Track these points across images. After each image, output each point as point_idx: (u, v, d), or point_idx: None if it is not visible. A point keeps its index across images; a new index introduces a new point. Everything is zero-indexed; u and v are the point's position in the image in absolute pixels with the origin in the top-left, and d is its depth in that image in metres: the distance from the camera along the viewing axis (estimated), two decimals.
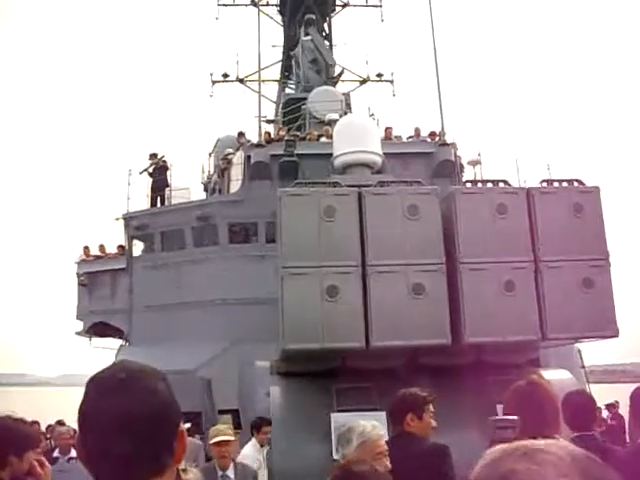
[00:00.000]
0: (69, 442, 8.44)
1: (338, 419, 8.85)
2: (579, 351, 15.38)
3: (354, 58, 28.21)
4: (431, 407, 5.00)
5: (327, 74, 24.20)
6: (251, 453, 8.19)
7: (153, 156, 19.54)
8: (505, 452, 1.05)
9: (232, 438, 6.93)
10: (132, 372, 1.48)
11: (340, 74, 24.97)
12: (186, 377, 13.93)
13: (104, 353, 19.58)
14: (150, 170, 19.26)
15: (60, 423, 11.03)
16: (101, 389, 1.47)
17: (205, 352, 15.01)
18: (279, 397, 9.31)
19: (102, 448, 1.42)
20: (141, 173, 19.13)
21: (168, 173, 19.46)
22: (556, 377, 8.95)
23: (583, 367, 15.62)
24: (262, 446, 8.41)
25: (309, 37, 24.65)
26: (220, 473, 6.82)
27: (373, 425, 3.85)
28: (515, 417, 3.24)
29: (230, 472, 6.88)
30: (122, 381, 1.46)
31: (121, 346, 18.64)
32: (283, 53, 28.06)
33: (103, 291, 19.11)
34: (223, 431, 6.99)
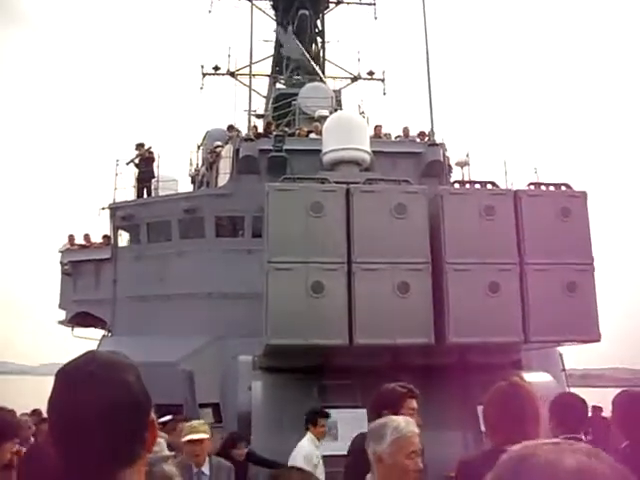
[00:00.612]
0: (27, 433, 8.37)
1: None
2: (560, 354, 15.45)
3: (346, 55, 28.21)
4: (414, 403, 4.95)
5: (306, 70, 24.22)
6: (309, 449, 7.78)
7: (140, 146, 19.37)
8: (527, 443, 1.07)
9: (206, 436, 6.77)
10: (102, 364, 1.46)
11: (312, 69, 24.69)
12: (168, 369, 13.86)
13: (86, 343, 19.46)
14: (136, 161, 19.12)
15: (36, 413, 10.92)
16: (71, 381, 1.44)
17: (188, 345, 14.93)
18: (261, 392, 9.29)
19: (72, 441, 1.40)
20: (128, 164, 18.96)
21: (155, 164, 19.33)
22: (537, 379, 8.99)
23: (564, 370, 15.70)
24: (319, 440, 8.01)
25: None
26: (195, 470, 6.72)
27: (407, 421, 3.63)
28: None
29: (205, 468, 6.78)
30: (92, 373, 1.43)
31: (103, 336, 18.51)
32: (275, 48, 27.97)
33: (87, 281, 18.96)
34: (197, 428, 6.79)
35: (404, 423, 3.57)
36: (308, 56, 24.19)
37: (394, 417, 3.73)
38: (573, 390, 13.35)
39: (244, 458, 8.00)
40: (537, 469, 0.99)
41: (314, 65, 23.83)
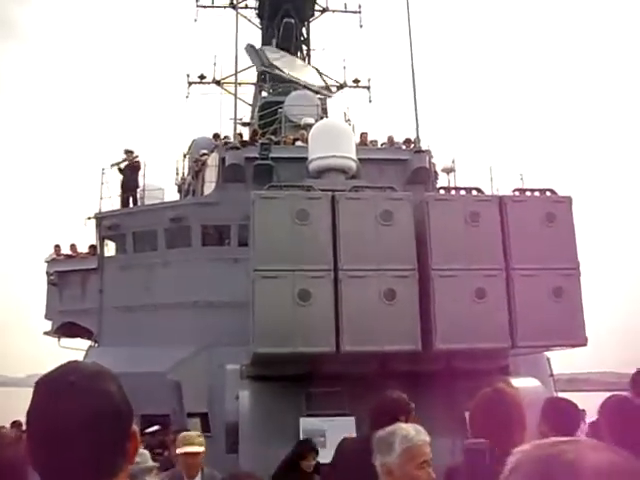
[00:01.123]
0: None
1: (307, 424, 8.82)
2: (548, 359, 15.49)
3: (332, 63, 28.24)
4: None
5: (279, 80, 24.27)
6: None
7: (129, 153, 19.30)
8: (545, 442, 1.07)
9: (202, 449, 6.68)
10: (83, 374, 1.44)
11: (285, 78, 24.60)
12: (155, 379, 13.80)
13: (73, 354, 19.32)
14: (122, 166, 19.00)
15: (16, 424, 10.80)
16: (52, 391, 1.42)
17: (175, 355, 14.87)
18: (248, 401, 9.25)
19: (53, 451, 1.37)
20: (112, 166, 18.85)
21: (140, 173, 19.26)
22: (525, 385, 9.00)
23: (552, 375, 15.73)
24: None
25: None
26: None
27: (417, 429, 3.39)
28: (484, 440, 3.07)
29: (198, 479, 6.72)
30: (73, 383, 1.41)
31: (90, 347, 18.41)
32: None
33: (73, 291, 18.84)
34: (192, 440, 6.70)
35: (414, 431, 3.37)
36: (281, 66, 24.11)
37: (402, 425, 3.54)
38: (561, 395, 13.41)
39: (312, 469, 7.74)
40: (569, 468, 0.98)
41: (286, 75, 23.82)
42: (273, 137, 19.04)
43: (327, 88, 25.84)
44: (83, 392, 1.40)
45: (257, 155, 16.68)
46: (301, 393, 9.05)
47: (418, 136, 18.17)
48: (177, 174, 23.76)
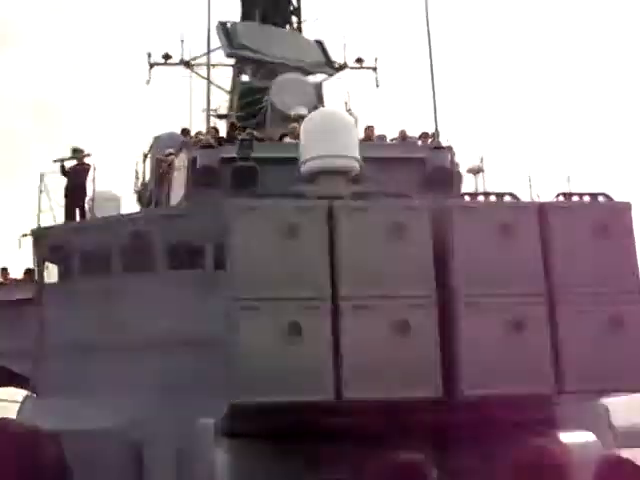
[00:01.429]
0: None
1: None
2: (606, 408, 15.42)
3: (328, 38, 28.16)
4: None
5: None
6: None
7: (77, 151, 19.10)
8: None
9: None
10: (8, 438, 1.42)
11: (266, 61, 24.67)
12: (110, 440, 13.70)
13: (4, 407, 19.21)
14: (66, 165, 18.83)
15: None
16: None
17: (135, 407, 14.78)
18: (227, 466, 9.19)
19: None
20: (55, 162, 18.69)
21: (89, 178, 19.13)
22: (577, 440, 8.96)
23: (612, 427, 15.65)
24: None
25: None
26: None
27: None
28: None
29: None
30: None
31: (26, 397, 18.31)
32: None
33: (4, 328, 18.81)
34: None
35: None
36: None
37: None
38: (624, 452, 13.32)
39: None
40: None
41: (264, 56, 23.96)
42: (256, 132, 19.08)
43: (330, 65, 25.86)
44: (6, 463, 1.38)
45: (236, 155, 16.71)
46: (294, 453, 9.01)
47: (437, 129, 18.22)
48: (137, 179, 23.81)
